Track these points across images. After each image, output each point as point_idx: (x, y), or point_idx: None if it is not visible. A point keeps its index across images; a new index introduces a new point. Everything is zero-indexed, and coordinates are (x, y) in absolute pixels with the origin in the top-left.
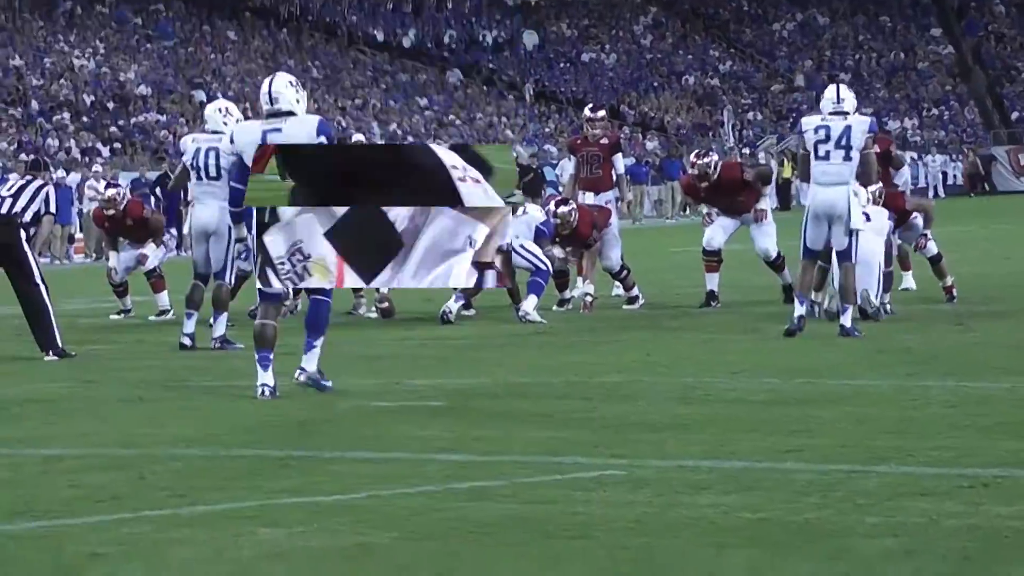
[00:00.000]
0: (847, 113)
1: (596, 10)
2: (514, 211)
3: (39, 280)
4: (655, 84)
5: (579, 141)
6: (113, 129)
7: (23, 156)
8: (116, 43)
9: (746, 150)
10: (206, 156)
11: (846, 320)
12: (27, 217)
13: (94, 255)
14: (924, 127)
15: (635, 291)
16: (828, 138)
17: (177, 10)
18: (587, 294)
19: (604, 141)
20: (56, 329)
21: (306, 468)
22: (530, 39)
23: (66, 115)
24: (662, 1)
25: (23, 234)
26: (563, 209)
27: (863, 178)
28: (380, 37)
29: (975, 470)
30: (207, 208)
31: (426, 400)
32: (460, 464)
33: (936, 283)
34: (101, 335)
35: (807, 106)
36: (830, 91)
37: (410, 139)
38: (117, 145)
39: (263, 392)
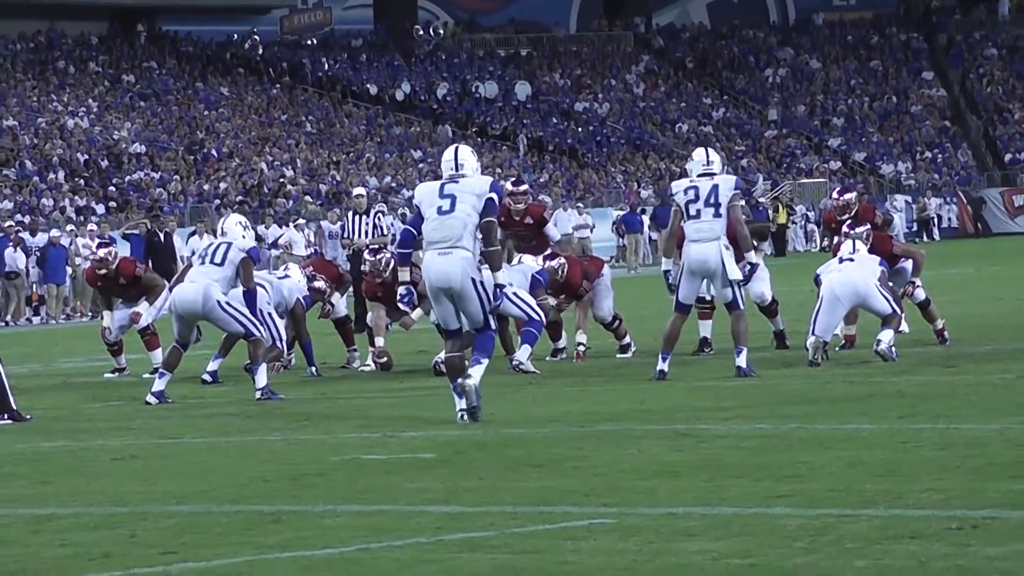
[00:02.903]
0: (715, 174)
1: (588, 60)
2: (509, 260)
3: None
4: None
5: (503, 219)
6: (109, 188)
7: (18, 216)
8: (110, 102)
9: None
10: (216, 248)
11: (741, 361)
12: None
13: (90, 314)
14: (918, 170)
15: (627, 339)
16: (697, 198)
17: (171, 68)
18: (579, 343)
19: (528, 221)
20: (9, 392)
21: (297, 523)
22: (523, 90)
23: (60, 174)
24: (654, 49)
25: None
26: (551, 264)
27: (736, 237)
28: (373, 91)
29: (964, 512)
30: (193, 286)
31: (417, 452)
32: (451, 515)
33: (928, 327)
34: (96, 393)
35: (800, 151)
36: (699, 154)
37: (405, 192)
38: (112, 204)
39: (462, 417)
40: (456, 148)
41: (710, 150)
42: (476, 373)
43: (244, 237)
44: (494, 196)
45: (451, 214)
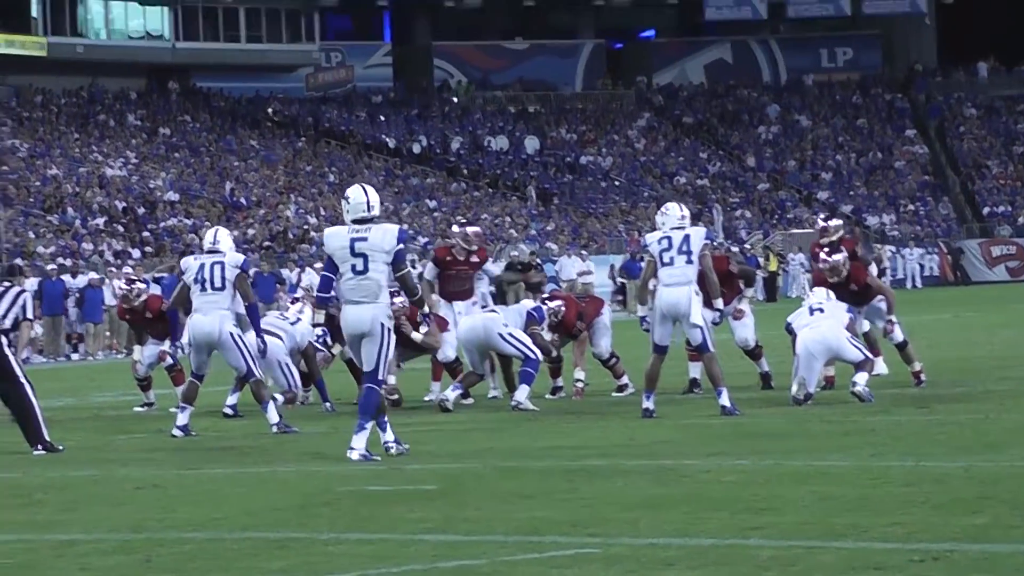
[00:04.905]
0: (685, 228)
1: (592, 116)
2: (507, 300)
3: (23, 380)
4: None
5: (448, 258)
6: (144, 233)
7: (60, 259)
8: (146, 153)
9: (735, 247)
10: (211, 269)
11: (724, 401)
12: (7, 324)
13: (125, 351)
14: (901, 222)
15: (624, 379)
16: (671, 246)
17: (203, 122)
18: (578, 379)
19: (475, 259)
20: (43, 425)
21: (302, 549)
22: (531, 144)
23: (100, 220)
24: (654, 107)
25: (4, 339)
26: (552, 305)
27: (706, 283)
28: (392, 144)
29: (926, 544)
30: (208, 317)
31: (419, 484)
32: (447, 544)
33: (906, 368)
34: (124, 426)
35: (790, 203)
36: (674, 208)
37: (421, 239)
38: (147, 248)
39: (387, 449)
40: (366, 190)
41: (682, 205)
42: (358, 443)
43: (232, 248)
44: (401, 247)
45: (366, 275)
